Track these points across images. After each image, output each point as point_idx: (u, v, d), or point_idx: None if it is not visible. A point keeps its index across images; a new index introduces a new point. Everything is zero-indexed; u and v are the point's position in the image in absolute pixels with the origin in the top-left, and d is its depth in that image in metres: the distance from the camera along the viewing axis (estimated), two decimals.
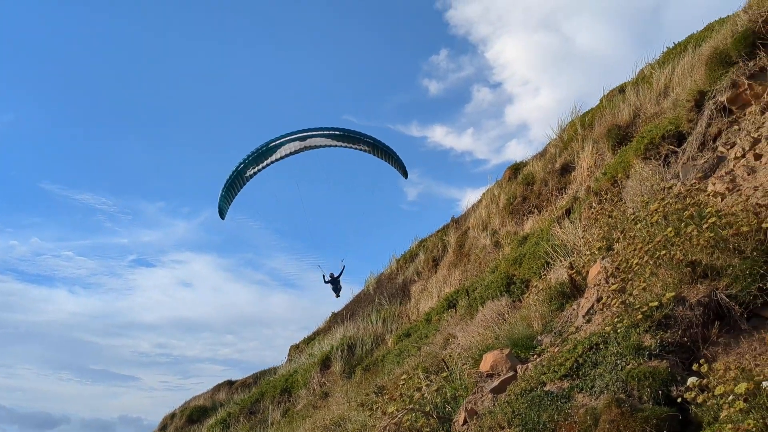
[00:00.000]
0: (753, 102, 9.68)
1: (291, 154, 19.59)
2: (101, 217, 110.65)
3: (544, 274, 11.36)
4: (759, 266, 5.79)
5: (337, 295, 23.61)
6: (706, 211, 6.53)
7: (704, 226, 6.26)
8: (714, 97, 10.26)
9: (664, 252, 6.51)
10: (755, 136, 8.74)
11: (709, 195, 7.49)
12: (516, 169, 21.64)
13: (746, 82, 9.77)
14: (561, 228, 11.95)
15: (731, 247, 6.07)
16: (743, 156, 8.49)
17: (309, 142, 19.48)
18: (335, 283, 23.06)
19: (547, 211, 16.75)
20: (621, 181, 11.36)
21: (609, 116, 15.40)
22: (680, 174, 9.75)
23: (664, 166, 10.63)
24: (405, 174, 21.34)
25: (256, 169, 19.63)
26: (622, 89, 17.44)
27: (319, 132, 19.21)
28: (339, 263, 23.04)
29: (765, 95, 9.60)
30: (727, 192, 7.71)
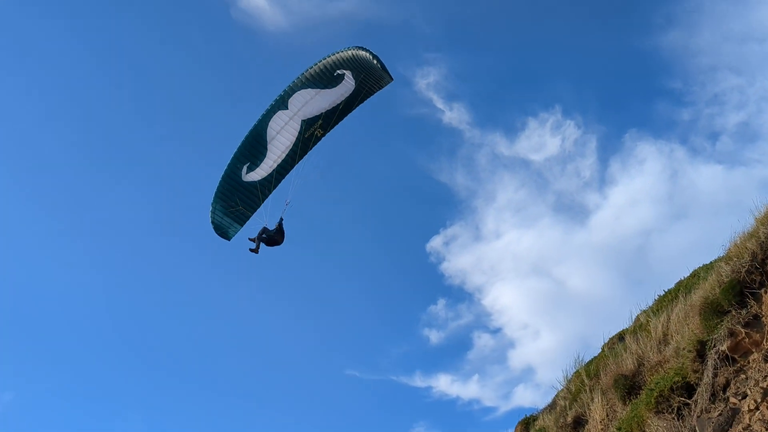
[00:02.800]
0: (754, 350, 9.75)
1: (294, 148, 17.40)
2: None
3: None
4: None
5: (257, 249, 17.47)
6: None
7: None
8: (714, 346, 10.34)
9: None
10: (764, 386, 8.67)
11: None
12: (526, 423, 20.90)
13: (743, 330, 9.93)
14: None
15: None
16: (757, 408, 8.35)
17: (294, 107, 17.43)
18: (268, 234, 17.39)
19: None
20: None
21: (613, 366, 15.31)
22: (696, 428, 9.48)
23: (678, 419, 10.35)
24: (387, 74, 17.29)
25: (258, 173, 17.23)
26: (621, 337, 17.59)
27: (295, 85, 17.43)
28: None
29: (764, 342, 9.71)
30: None
